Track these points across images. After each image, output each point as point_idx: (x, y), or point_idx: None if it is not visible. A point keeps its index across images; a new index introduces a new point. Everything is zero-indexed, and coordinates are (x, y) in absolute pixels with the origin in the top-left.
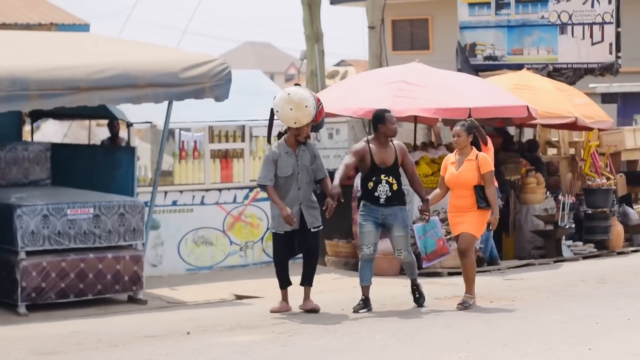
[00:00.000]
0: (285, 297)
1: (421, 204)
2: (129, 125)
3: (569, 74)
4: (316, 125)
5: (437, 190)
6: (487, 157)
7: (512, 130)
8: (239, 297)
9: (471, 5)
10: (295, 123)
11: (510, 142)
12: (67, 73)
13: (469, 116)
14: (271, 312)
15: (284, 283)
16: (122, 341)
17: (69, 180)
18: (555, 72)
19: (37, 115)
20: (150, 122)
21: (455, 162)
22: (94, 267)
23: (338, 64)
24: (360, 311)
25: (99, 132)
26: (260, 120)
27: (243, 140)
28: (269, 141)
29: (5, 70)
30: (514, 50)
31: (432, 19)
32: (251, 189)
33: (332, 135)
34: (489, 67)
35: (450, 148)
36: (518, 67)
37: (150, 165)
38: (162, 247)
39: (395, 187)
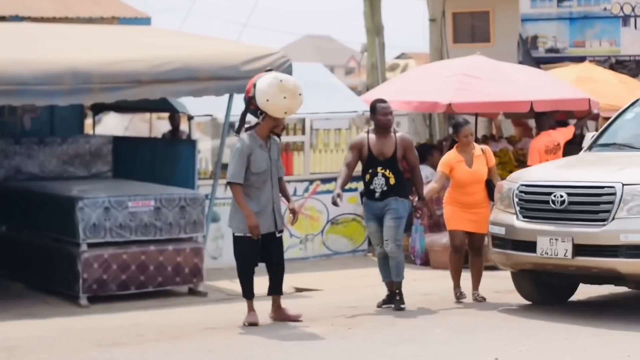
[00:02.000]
0: (251, 308)
1: (417, 202)
2: (190, 118)
3: (631, 66)
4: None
5: (434, 184)
6: (490, 149)
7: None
8: (299, 290)
9: None
10: (285, 113)
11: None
12: (129, 66)
13: (531, 109)
14: (244, 324)
15: (249, 292)
16: (182, 333)
17: (130, 173)
18: (618, 65)
19: (99, 109)
20: (211, 115)
21: (463, 159)
22: (154, 259)
23: (398, 57)
24: (383, 306)
25: (160, 125)
26: (321, 114)
27: (303, 133)
28: (237, 132)
29: (68, 64)
30: (576, 42)
31: (493, 12)
32: (311, 181)
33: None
34: (551, 59)
35: (511, 141)
36: (580, 59)
37: (210, 158)
38: (223, 240)
39: (392, 181)
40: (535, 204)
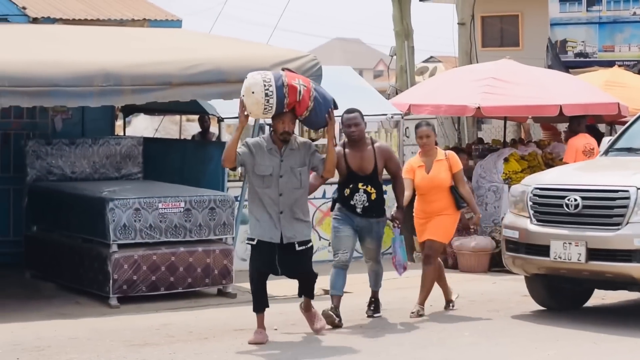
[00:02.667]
0: (261, 324)
1: (395, 210)
2: (219, 120)
3: None
4: (307, 120)
5: (406, 192)
6: (455, 155)
7: (602, 127)
8: (327, 292)
9: (562, 1)
10: (250, 113)
11: (601, 139)
12: (160, 68)
13: (560, 113)
14: (249, 343)
15: (259, 304)
16: (212, 334)
17: (160, 175)
18: None
19: (129, 111)
20: None
21: (424, 164)
22: (184, 261)
23: (427, 60)
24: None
25: (190, 127)
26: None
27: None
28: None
29: (99, 65)
30: (605, 47)
31: (522, 15)
32: None
33: None
34: (580, 63)
35: (540, 145)
36: (609, 64)
37: None
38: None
39: (373, 196)
40: (549, 207)
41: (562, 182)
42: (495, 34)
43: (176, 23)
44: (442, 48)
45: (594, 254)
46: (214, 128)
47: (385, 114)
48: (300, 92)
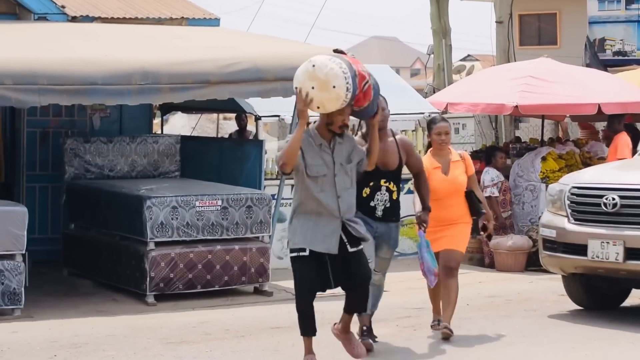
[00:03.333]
0: (309, 349)
1: (421, 212)
2: (257, 118)
3: None
4: (361, 111)
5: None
6: (468, 155)
7: None
8: None
9: (601, 0)
10: (318, 108)
11: (639, 138)
12: (198, 67)
13: (599, 112)
14: None
15: (306, 327)
16: (248, 332)
17: (197, 173)
18: None
19: (167, 109)
20: (278, 116)
21: (440, 165)
22: (221, 259)
23: (464, 59)
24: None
25: (226, 125)
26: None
27: None
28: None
29: (137, 64)
30: None
31: (560, 14)
32: None
33: (459, 130)
34: (618, 62)
35: (577, 144)
36: None
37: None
38: None
39: (395, 195)
40: (586, 206)
41: (600, 181)
42: (533, 32)
43: (214, 21)
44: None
45: (632, 253)
46: (251, 126)
47: (423, 113)
48: (368, 82)
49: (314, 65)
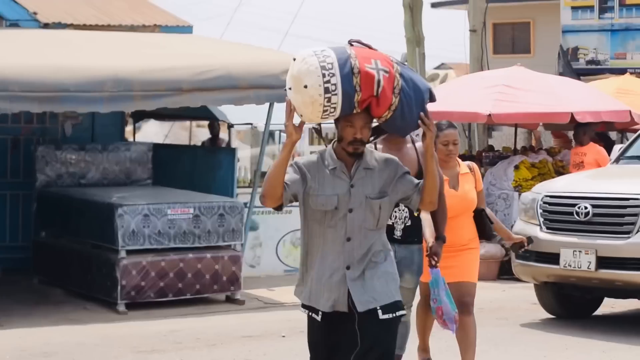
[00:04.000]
0: None
1: (434, 242)
2: (230, 126)
3: None
4: (387, 121)
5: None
6: (477, 167)
7: (613, 135)
8: None
9: (574, 8)
10: (301, 116)
11: (612, 147)
12: (170, 74)
13: (572, 121)
14: None
15: None
16: (219, 341)
17: (170, 181)
18: None
19: (139, 116)
20: (251, 124)
21: (447, 179)
22: (193, 267)
23: (438, 67)
24: None
25: (199, 133)
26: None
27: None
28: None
29: (109, 71)
30: (617, 54)
31: (533, 23)
32: None
33: None
34: (592, 71)
35: (550, 152)
36: (621, 71)
37: (250, 167)
38: (261, 248)
39: (416, 212)
40: (559, 215)
41: (572, 190)
42: (507, 40)
43: (187, 29)
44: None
45: (604, 262)
46: (223, 134)
47: None
48: (379, 82)
49: (294, 59)
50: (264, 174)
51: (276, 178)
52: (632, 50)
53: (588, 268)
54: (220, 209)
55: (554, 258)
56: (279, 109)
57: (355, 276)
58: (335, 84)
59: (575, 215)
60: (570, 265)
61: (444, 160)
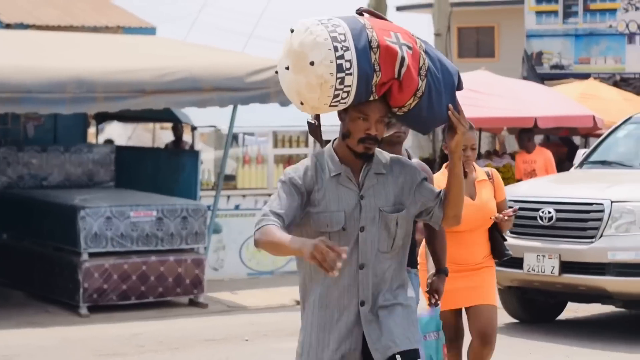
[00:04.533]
0: None
1: (434, 277)
2: (193, 128)
3: (636, 84)
4: (408, 113)
5: (419, 236)
6: (498, 173)
7: (577, 140)
8: (300, 303)
9: (538, 13)
10: (302, 104)
11: (575, 152)
12: (134, 76)
13: (535, 125)
14: None
15: None
16: (182, 344)
17: (133, 183)
18: (623, 82)
19: (102, 118)
20: (215, 126)
21: None
22: (155, 270)
23: None
24: None
25: (163, 135)
26: (325, 126)
27: (307, 145)
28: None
29: (72, 72)
30: (581, 59)
31: (498, 27)
32: None
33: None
34: (555, 75)
35: (515, 157)
36: (585, 76)
37: (213, 169)
38: (224, 251)
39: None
40: (523, 219)
41: (536, 194)
42: (472, 44)
43: (150, 30)
44: None
45: (567, 266)
46: (187, 136)
47: None
48: (402, 59)
49: (292, 30)
50: (227, 176)
51: (276, 251)
52: (595, 55)
53: (552, 272)
54: (184, 211)
55: (517, 262)
56: (243, 111)
57: (371, 315)
58: (350, 61)
59: (539, 220)
60: (534, 270)
61: (467, 163)
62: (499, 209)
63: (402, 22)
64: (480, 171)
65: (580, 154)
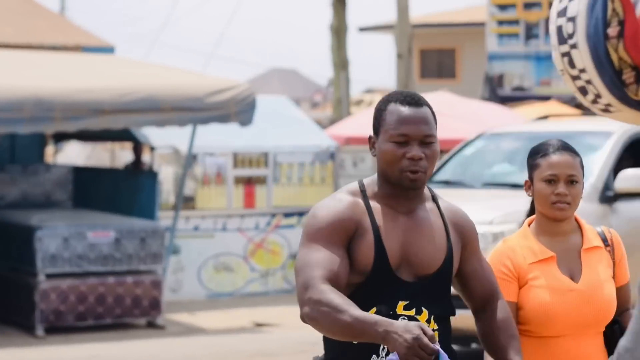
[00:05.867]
0: None
1: None
2: (152, 149)
3: None
4: None
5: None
6: (617, 235)
7: None
8: (259, 325)
9: (500, 35)
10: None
11: None
12: (92, 96)
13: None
14: None
15: None
16: None
17: (91, 203)
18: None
19: (61, 137)
20: (174, 147)
21: (554, 256)
22: (113, 291)
23: (366, 92)
24: None
25: (122, 155)
26: (285, 147)
27: (267, 166)
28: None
29: (30, 91)
30: (543, 81)
31: (460, 49)
32: (273, 215)
33: (357, 163)
34: (517, 97)
35: None
36: (546, 98)
37: (172, 190)
38: (183, 273)
39: (436, 337)
40: None
41: None
42: (433, 66)
43: (109, 50)
44: (380, 79)
45: None
46: (146, 157)
47: (320, 145)
48: None
49: None
50: (186, 198)
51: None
52: (557, 77)
53: None
54: (142, 232)
55: None
56: (202, 131)
57: None
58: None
59: None
60: None
61: (552, 216)
62: (623, 296)
63: (364, 43)
64: (589, 230)
65: None
